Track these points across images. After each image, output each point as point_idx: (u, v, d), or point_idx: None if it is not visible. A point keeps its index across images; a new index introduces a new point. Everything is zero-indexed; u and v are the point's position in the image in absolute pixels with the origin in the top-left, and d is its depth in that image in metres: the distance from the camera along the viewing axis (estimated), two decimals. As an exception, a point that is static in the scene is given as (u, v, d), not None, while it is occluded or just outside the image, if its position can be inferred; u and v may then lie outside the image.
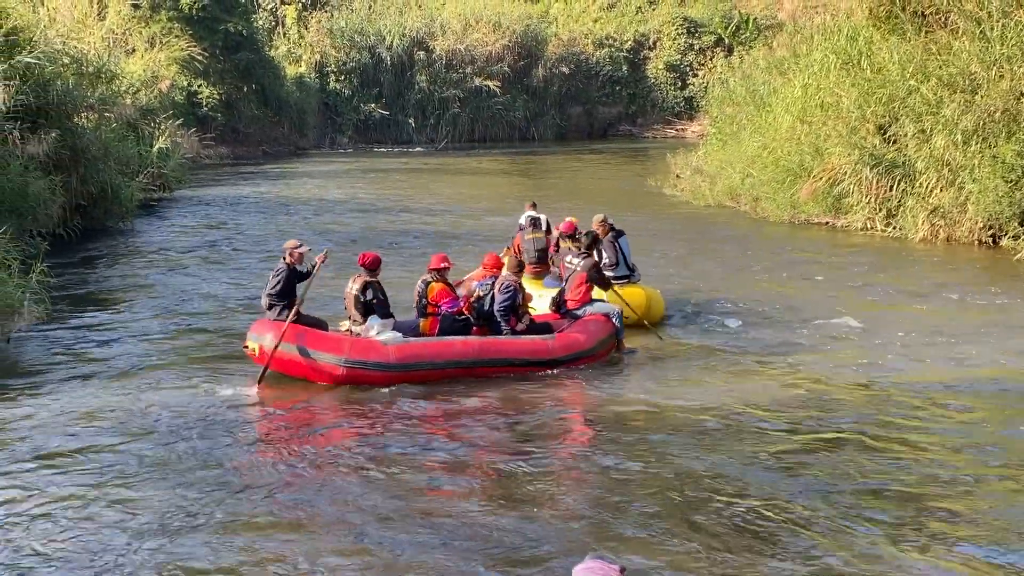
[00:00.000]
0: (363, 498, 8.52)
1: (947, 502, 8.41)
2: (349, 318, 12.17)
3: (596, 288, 13.46)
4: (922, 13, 22.90)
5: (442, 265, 12.58)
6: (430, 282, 12.50)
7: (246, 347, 12.00)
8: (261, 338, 11.79)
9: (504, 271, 12.69)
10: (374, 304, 11.99)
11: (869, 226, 22.23)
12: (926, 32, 22.74)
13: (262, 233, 23.81)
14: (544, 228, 16.08)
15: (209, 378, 12.09)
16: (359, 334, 11.99)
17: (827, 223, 23.28)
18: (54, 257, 16.96)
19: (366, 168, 41.77)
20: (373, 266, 12.13)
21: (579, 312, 13.19)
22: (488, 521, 8.04)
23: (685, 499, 8.46)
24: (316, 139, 52.21)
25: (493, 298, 12.42)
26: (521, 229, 16.18)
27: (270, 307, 12.06)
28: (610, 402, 11.38)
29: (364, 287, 12.00)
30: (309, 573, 7.26)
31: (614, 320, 13.09)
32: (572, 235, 14.50)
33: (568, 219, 15.17)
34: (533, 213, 16.40)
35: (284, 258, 12.26)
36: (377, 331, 11.91)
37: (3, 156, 17.82)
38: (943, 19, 22.55)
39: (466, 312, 12.53)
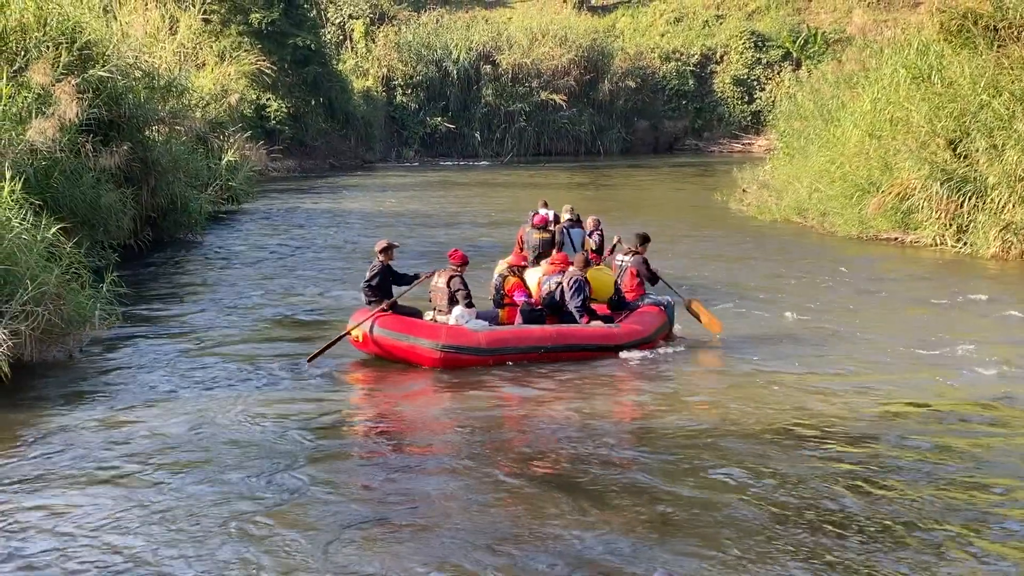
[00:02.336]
0: (451, 501, 8.54)
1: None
2: (435, 308, 13.50)
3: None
4: (994, 27, 22.60)
5: (522, 263, 14.49)
6: (506, 276, 14.02)
7: (349, 334, 13.21)
8: (362, 326, 13.11)
9: (571, 267, 13.90)
10: (458, 294, 13.22)
11: (939, 242, 21.95)
12: (998, 46, 22.44)
13: (330, 244, 23.99)
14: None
15: (282, 384, 12.27)
16: (446, 323, 13.25)
17: (896, 239, 23.02)
18: (125, 268, 17.17)
19: (432, 181, 41.97)
20: (460, 262, 13.48)
21: (635, 304, 14.46)
22: (552, 531, 8.01)
23: (744, 514, 8.37)
24: (382, 152, 52.52)
25: (562, 291, 13.67)
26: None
27: (369, 302, 13.34)
28: (664, 409, 11.32)
29: (450, 279, 13.31)
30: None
31: (666, 310, 14.52)
32: (543, 227, 16.49)
33: (542, 213, 17.04)
34: (544, 211, 17.59)
35: (378, 257, 13.48)
36: (466, 319, 13.13)
37: (76, 168, 18.05)
38: (1016, 33, 22.26)
39: (537, 304, 13.84)
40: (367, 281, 13.36)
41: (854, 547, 7.78)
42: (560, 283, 13.72)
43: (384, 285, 13.37)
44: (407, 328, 13.02)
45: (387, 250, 13.56)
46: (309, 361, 13.00)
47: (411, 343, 12.94)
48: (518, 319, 13.77)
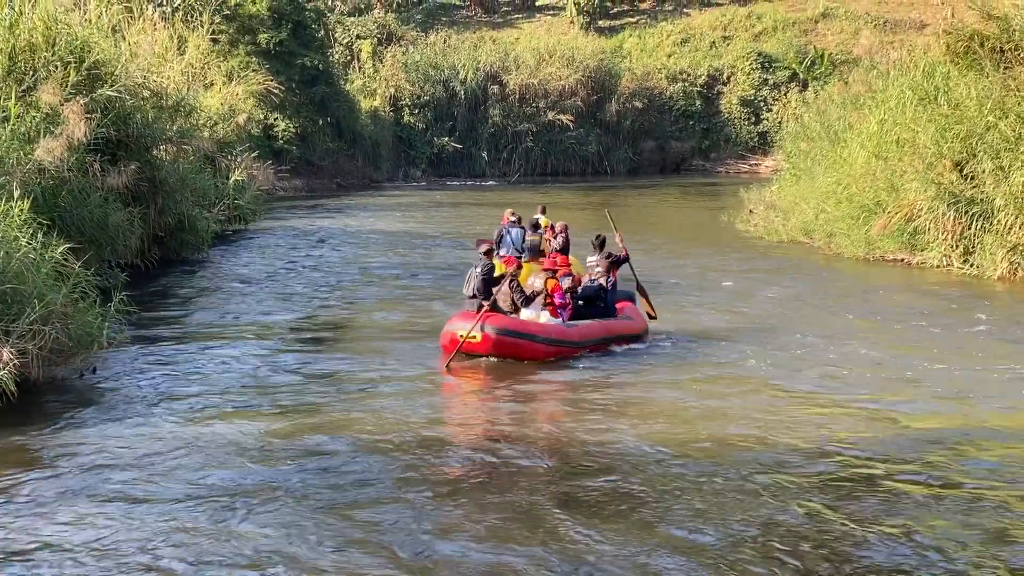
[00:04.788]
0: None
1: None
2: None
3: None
4: (1000, 49, 22.64)
5: (555, 267, 15.68)
6: (546, 279, 15.09)
7: (459, 336, 14.08)
8: (466, 325, 14.15)
9: (598, 270, 15.78)
10: (520, 294, 14.50)
11: (945, 263, 21.93)
12: (1004, 68, 22.47)
13: (337, 264, 24.02)
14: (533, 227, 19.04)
15: (293, 401, 12.30)
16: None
17: (902, 260, 23.00)
18: (132, 288, 17.17)
19: (439, 201, 42.02)
20: (516, 266, 15.05)
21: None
22: (588, 544, 8.02)
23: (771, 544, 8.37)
24: (389, 172, 52.57)
25: (580, 288, 15.50)
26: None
27: (473, 296, 14.62)
28: (676, 428, 11.32)
29: (511, 283, 14.56)
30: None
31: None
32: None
33: (535, 218, 19.22)
34: (540, 216, 19.56)
35: (483, 258, 14.94)
36: (544, 319, 14.57)
37: (84, 188, 18.11)
38: (1022, 55, 22.29)
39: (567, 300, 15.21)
40: (474, 285, 14.62)
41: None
42: (598, 282, 15.60)
43: (489, 285, 14.63)
44: (521, 327, 14.30)
45: (490, 252, 15.10)
46: (447, 369, 14.00)
47: (527, 340, 14.22)
48: (565, 315, 14.98)
